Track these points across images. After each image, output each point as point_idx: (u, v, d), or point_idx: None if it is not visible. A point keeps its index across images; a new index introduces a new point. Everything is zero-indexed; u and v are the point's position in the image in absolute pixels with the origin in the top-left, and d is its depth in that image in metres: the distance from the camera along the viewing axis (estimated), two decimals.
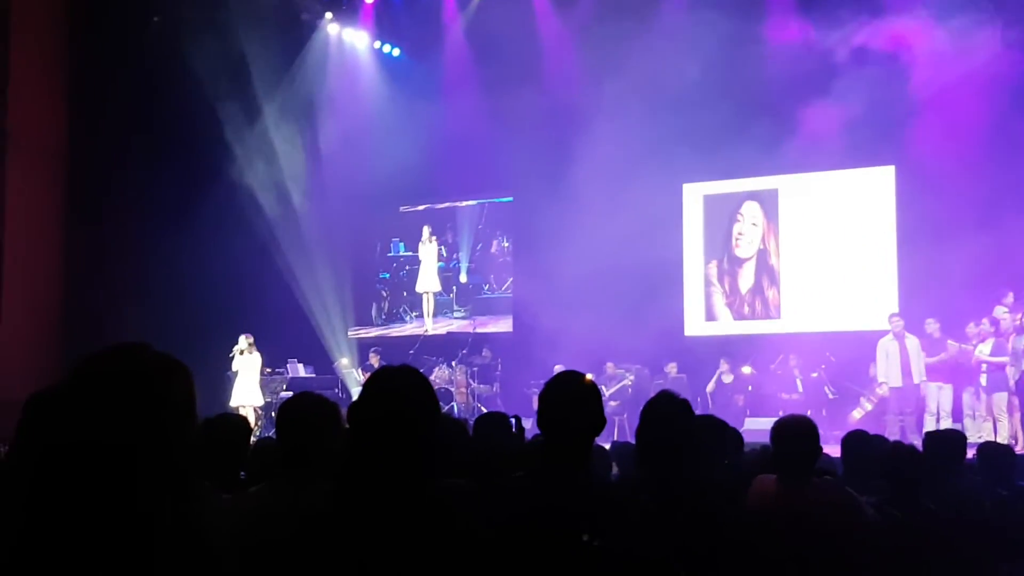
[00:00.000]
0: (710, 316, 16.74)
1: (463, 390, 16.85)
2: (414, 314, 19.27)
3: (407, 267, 19.36)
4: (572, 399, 3.07)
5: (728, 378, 15.49)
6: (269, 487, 3.42)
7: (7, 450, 2.83)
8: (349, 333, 18.56)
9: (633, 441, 3.88)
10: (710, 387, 15.52)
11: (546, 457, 3.08)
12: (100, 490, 1.78)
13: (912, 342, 13.41)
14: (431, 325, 18.80)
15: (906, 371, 13.35)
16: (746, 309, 16.52)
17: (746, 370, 15.43)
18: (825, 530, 4.10)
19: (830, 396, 14.72)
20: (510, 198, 18.47)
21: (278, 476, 3.43)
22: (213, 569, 1.91)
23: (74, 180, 16.92)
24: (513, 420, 5.58)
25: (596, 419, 3.07)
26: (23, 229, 15.85)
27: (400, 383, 2.51)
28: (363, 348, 17.94)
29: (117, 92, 17.06)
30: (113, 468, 1.79)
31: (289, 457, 3.37)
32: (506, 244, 18.68)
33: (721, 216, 16.75)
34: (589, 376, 3.17)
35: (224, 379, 15.71)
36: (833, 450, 6.22)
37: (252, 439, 4.82)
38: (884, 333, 13.71)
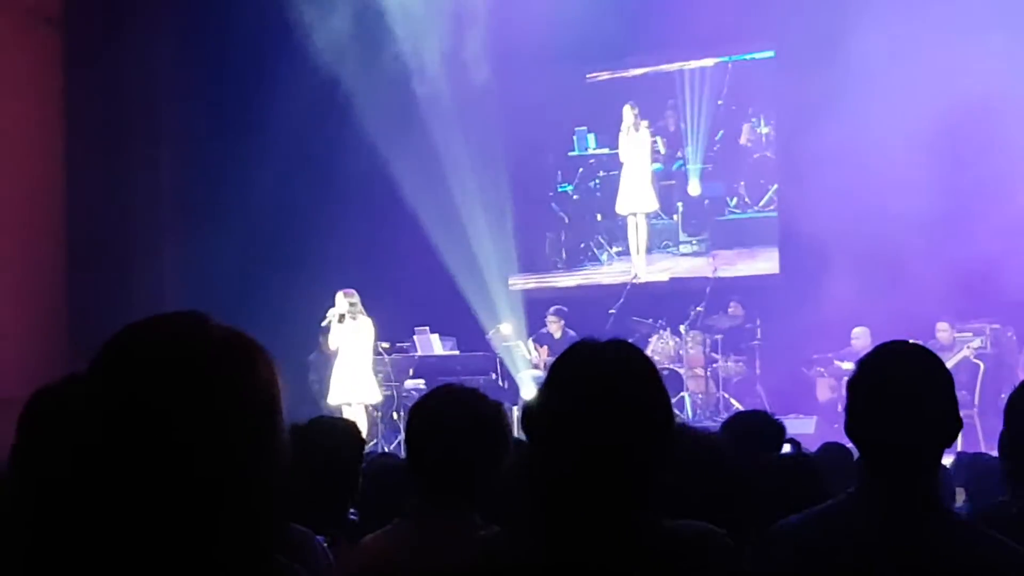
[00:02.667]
0: None
1: (699, 371, 16.83)
2: (614, 250, 19.28)
3: (601, 173, 19.35)
4: (910, 388, 3.06)
5: None
6: (399, 532, 3.52)
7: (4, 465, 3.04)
8: (510, 283, 18.73)
9: (995, 452, 3.82)
10: None
11: (867, 484, 3.10)
12: (131, 535, 1.84)
13: None
14: (643, 267, 18.79)
15: None
16: None
17: None
18: None
19: None
20: (771, 52, 18.23)
21: (411, 514, 3.54)
22: None
23: (76, 58, 17.49)
24: (789, 445, 5.57)
25: (951, 421, 3.08)
26: (9, 133, 16.53)
27: (614, 368, 2.54)
28: (534, 308, 18.09)
29: None
30: (152, 502, 1.84)
31: (431, 485, 3.47)
32: (765, 129, 18.44)
33: None
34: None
35: (312, 363, 16.14)
36: None
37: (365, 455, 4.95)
38: None
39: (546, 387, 2.58)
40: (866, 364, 3.15)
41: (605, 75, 19.15)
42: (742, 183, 18.57)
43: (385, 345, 16.31)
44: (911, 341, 3.28)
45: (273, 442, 1.93)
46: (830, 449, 6.21)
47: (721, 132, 18.67)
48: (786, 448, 5.64)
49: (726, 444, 4.54)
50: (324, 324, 15.44)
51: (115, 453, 1.84)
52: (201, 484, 1.85)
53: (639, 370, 2.56)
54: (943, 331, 15.40)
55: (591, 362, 2.56)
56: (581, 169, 19.58)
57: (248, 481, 1.89)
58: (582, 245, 19.56)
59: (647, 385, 2.54)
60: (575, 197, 19.62)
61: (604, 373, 2.53)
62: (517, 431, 3.66)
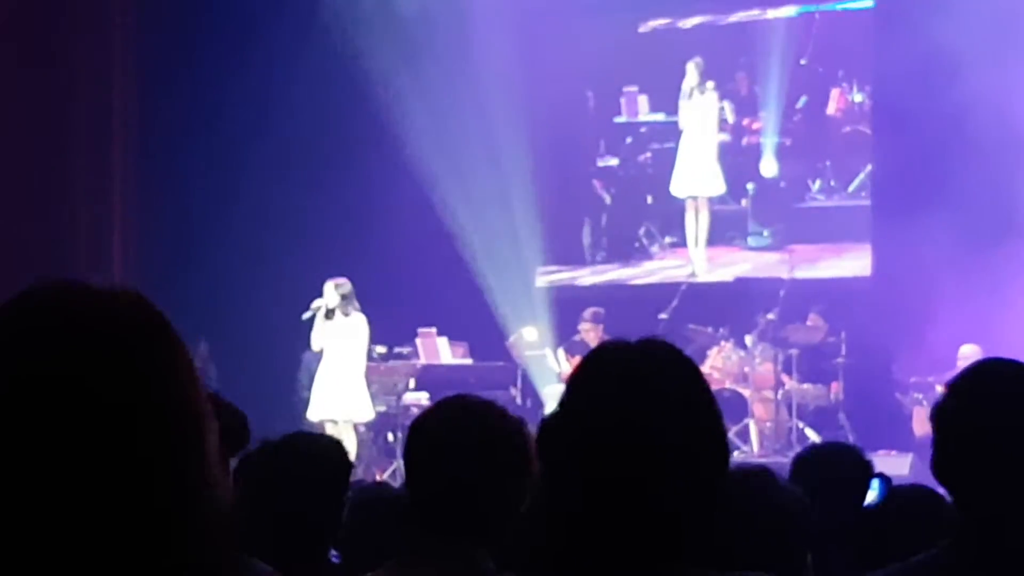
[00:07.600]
0: None
1: (768, 394, 16.87)
2: (667, 240, 19.29)
3: (653, 145, 19.35)
4: (1016, 418, 3.03)
5: None
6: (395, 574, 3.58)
7: None
8: (538, 278, 18.75)
9: None
10: None
11: (960, 539, 3.09)
12: None
13: None
14: (703, 263, 18.82)
15: None
16: None
17: None
18: None
19: None
20: (870, 1, 18.28)
21: (406, 557, 3.61)
22: None
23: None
24: (879, 480, 5.59)
25: None
26: None
27: (645, 377, 2.48)
28: (565, 309, 18.15)
29: None
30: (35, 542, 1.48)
31: (432, 521, 3.50)
32: (859, 97, 18.46)
33: None
34: None
35: (296, 364, 16.27)
36: None
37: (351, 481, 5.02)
38: None
39: (563, 400, 2.51)
40: (959, 387, 3.11)
41: (662, 24, 19.14)
42: (828, 163, 18.61)
43: (381, 349, 16.33)
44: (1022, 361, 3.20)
45: (201, 467, 1.56)
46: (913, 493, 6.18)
47: (804, 99, 18.69)
48: (875, 483, 5.61)
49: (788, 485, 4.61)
50: (306, 317, 15.47)
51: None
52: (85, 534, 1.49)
53: (679, 379, 2.47)
54: None
55: (615, 369, 2.48)
56: (629, 139, 19.58)
57: (165, 531, 1.52)
58: (628, 234, 19.58)
59: (691, 398, 2.45)
60: (621, 174, 19.62)
61: (632, 383, 2.43)
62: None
